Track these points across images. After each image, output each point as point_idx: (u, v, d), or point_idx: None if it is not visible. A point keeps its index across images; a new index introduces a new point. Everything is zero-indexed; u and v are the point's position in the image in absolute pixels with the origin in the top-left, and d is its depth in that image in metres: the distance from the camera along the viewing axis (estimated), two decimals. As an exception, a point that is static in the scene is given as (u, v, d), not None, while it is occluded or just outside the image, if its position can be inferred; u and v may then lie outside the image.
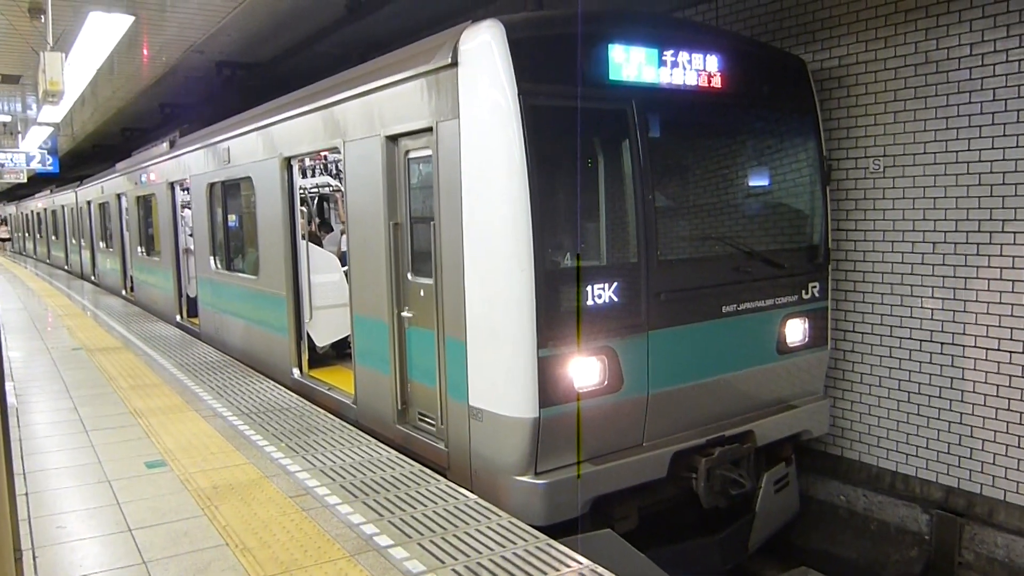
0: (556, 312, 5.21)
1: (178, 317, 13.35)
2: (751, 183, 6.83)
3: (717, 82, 6.09)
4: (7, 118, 18.86)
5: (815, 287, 6.84)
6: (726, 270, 6.22)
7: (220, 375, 9.00)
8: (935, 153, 6.55)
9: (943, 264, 6.59)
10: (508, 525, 4.70)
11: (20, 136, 21.75)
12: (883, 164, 6.94)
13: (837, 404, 7.49)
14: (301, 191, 8.52)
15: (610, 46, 5.47)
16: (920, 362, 6.84)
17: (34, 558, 4.33)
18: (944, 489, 6.78)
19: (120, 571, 4.20)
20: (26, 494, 5.31)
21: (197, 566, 4.22)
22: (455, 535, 4.55)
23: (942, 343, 6.68)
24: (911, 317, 6.86)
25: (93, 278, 21.81)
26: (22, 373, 9.36)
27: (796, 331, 6.71)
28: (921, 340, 6.82)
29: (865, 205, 7.11)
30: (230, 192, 10.63)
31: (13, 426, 6.57)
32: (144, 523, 4.82)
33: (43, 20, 8.24)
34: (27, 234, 39.44)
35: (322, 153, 7.55)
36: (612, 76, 5.49)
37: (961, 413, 6.61)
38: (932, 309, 6.71)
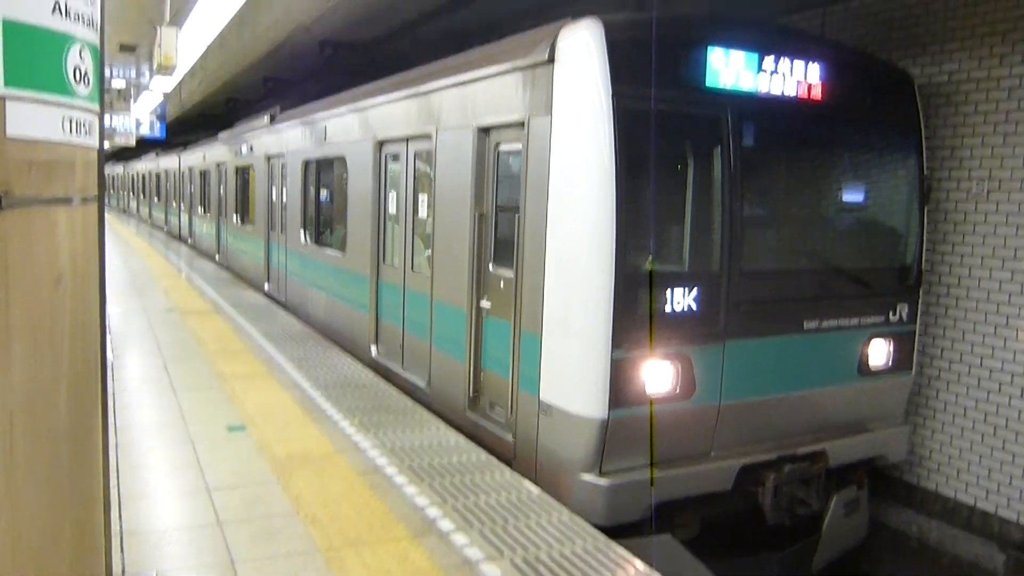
0: (633, 315, 5.21)
1: (266, 286, 13.81)
2: (844, 198, 6.66)
3: (817, 93, 5.94)
4: (121, 84, 19.75)
5: (904, 309, 6.63)
6: (811, 285, 6.10)
7: (301, 346, 9.29)
8: (1045, 180, 6.27)
9: (1044, 296, 6.31)
10: (569, 522, 4.74)
11: (132, 101, 22.73)
12: (987, 187, 6.66)
13: (917, 431, 7.26)
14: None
15: (708, 51, 5.41)
16: (1010, 395, 6.57)
17: (120, 507, 4.59)
18: (1025, 529, 6.52)
19: (197, 529, 4.42)
20: (116, 445, 5.62)
21: (268, 531, 4.40)
22: (516, 527, 4.62)
23: (1036, 378, 6.41)
24: (1004, 348, 6.59)
25: (189, 240, 22.71)
26: (119, 330, 9.86)
27: (880, 353, 6.52)
28: (1012, 373, 6.54)
29: (964, 229, 6.85)
30: (323, 170, 10.92)
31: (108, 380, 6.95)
32: (222, 485, 5.05)
33: (162, -6, 8.64)
34: (131, 194, 41.27)
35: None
36: (709, 82, 5.43)
37: (1050, 453, 6.34)
38: (1028, 342, 6.44)
